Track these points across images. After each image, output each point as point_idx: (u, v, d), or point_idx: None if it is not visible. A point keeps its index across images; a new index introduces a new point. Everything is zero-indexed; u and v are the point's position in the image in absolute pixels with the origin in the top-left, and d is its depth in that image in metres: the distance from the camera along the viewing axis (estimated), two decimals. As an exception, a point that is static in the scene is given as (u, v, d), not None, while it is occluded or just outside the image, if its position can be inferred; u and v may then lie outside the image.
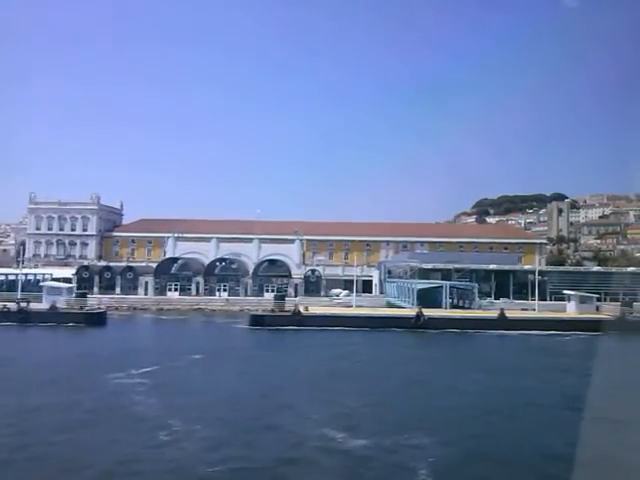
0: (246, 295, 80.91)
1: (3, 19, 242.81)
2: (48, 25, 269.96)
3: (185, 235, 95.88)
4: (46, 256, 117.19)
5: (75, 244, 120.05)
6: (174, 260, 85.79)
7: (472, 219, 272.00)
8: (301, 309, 57.87)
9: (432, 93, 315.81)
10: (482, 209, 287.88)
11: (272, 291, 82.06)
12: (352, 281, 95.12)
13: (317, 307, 62.74)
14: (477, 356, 40.74)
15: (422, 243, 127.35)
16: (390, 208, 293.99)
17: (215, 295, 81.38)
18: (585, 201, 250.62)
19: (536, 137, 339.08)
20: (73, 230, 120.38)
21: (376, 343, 46.62)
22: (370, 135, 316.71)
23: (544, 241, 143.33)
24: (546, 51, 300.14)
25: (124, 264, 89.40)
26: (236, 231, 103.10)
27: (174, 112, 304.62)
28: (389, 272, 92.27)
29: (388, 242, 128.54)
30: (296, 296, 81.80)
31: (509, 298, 79.13)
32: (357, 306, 67.39)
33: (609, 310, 59.12)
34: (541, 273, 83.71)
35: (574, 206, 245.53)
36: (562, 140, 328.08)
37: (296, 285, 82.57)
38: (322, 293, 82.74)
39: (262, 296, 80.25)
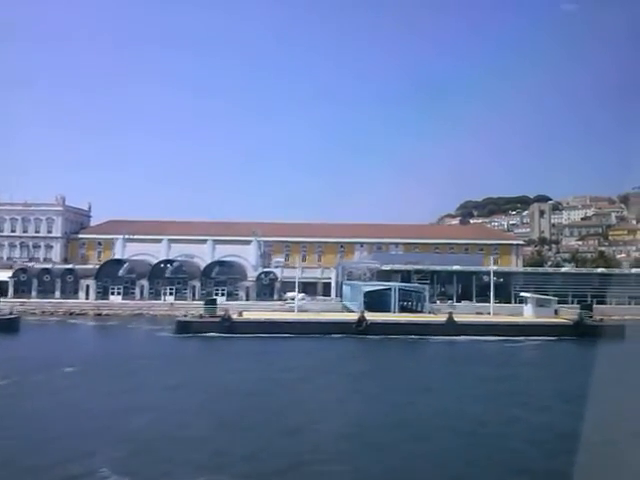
0: (194, 299, 75.86)
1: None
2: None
3: (135, 237, 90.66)
4: (9, 259, 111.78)
5: (39, 246, 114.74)
6: (119, 262, 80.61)
7: (456, 221, 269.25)
8: (234, 314, 53.18)
9: (431, 94, 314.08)
10: (466, 211, 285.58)
11: (222, 295, 77.33)
12: (311, 284, 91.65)
13: (255, 312, 57.95)
14: (406, 368, 36.07)
15: (397, 245, 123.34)
16: (379, 210, 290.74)
17: (161, 299, 76.34)
18: (568, 203, 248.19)
19: (529, 138, 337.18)
20: (37, 232, 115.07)
21: (305, 352, 41.83)
22: (365, 135, 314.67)
23: (521, 242, 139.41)
24: (544, 53, 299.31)
25: (68, 266, 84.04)
26: (194, 232, 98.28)
27: (158, 112, 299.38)
28: (350, 274, 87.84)
29: (362, 244, 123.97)
30: (248, 300, 77.09)
31: (472, 301, 75.07)
32: (302, 310, 62.81)
33: (569, 314, 54.76)
34: (504, 274, 79.80)
35: (557, 208, 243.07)
36: (549, 142, 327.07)
37: (247, 288, 77.66)
38: (276, 297, 77.87)
39: (211, 300, 75.42)
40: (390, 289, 57.39)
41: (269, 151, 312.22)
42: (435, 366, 36.69)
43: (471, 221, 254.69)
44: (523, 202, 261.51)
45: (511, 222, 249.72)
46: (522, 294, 61.44)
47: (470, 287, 78.29)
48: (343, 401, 25.28)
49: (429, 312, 57.21)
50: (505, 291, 75.77)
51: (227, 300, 75.75)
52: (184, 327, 49.96)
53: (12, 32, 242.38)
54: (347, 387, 28.28)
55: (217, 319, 50.59)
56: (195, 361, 36.86)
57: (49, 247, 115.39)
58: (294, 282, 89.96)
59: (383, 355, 42.11)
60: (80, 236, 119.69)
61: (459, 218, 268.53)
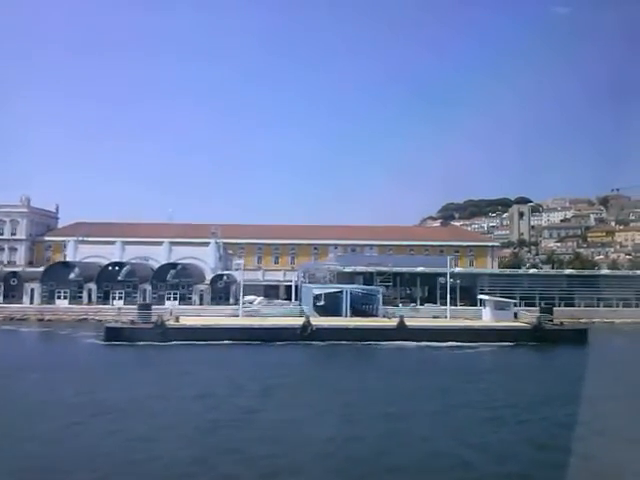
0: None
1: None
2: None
3: (89, 239, 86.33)
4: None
5: (3, 249, 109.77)
6: (66, 264, 76.26)
7: (437, 223, 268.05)
8: (171, 320, 49.38)
9: (419, 97, 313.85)
10: (448, 213, 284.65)
11: (175, 299, 73.40)
12: (274, 287, 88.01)
13: (201, 318, 54.05)
14: (337, 378, 32.54)
15: (371, 247, 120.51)
16: (367, 212, 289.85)
17: (110, 304, 72.08)
18: (548, 205, 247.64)
19: (512, 141, 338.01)
20: (0, 234, 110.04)
21: (233, 361, 38.26)
22: (354, 138, 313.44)
23: (496, 244, 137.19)
24: (535, 56, 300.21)
25: (13, 269, 79.47)
26: (157, 234, 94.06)
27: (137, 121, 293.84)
28: (312, 276, 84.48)
29: (336, 246, 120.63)
30: (201, 304, 73.20)
31: (436, 303, 71.91)
32: (259, 315, 59.25)
33: (529, 317, 51.73)
34: (470, 276, 76.87)
35: (537, 210, 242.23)
36: (532, 144, 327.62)
37: (201, 292, 73.73)
38: (232, 301, 74.04)
39: (163, 304, 71.41)
40: (342, 292, 53.93)
41: (254, 154, 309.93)
42: (370, 376, 33.20)
43: (452, 223, 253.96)
44: (504, 204, 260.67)
45: (491, 224, 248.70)
46: (480, 296, 58.27)
47: (435, 289, 75.24)
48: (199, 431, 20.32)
49: (383, 316, 53.83)
50: (470, 293, 72.74)
51: (180, 304, 72.06)
52: (114, 334, 46.02)
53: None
54: (239, 407, 24.15)
55: (150, 325, 46.74)
56: (96, 374, 32.67)
57: (13, 250, 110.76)
58: (255, 285, 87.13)
59: (318, 364, 38.64)
60: (46, 238, 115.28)
61: (440, 220, 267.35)
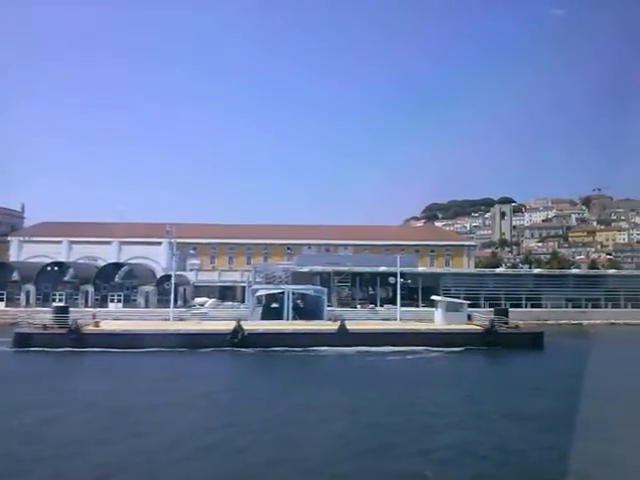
0: (86, 305, 67.21)
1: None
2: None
3: (34, 238, 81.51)
4: None
5: None
6: (3, 265, 71.44)
7: (421, 223, 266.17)
8: (90, 324, 45.01)
9: (415, 99, 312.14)
10: (431, 213, 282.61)
11: (119, 301, 68.91)
12: (229, 287, 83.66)
13: (119, 322, 49.46)
14: (250, 390, 28.42)
15: (346, 246, 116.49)
16: (356, 211, 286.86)
17: (50, 306, 67.32)
18: (530, 205, 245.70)
19: (498, 142, 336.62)
20: None
21: (141, 372, 33.92)
22: (344, 138, 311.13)
23: (472, 244, 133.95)
24: (526, 58, 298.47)
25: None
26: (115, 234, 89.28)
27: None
28: (270, 277, 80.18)
29: (310, 245, 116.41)
30: (147, 306, 68.74)
31: (395, 304, 67.92)
32: (206, 319, 55.12)
33: (483, 320, 47.86)
34: (433, 276, 73.19)
35: (519, 210, 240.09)
36: (517, 145, 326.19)
37: (147, 294, 69.22)
38: (180, 302, 69.66)
39: (106, 306, 67.09)
40: (283, 293, 49.78)
41: (242, 156, 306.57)
42: (281, 387, 29.04)
43: (435, 223, 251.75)
44: (487, 204, 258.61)
45: (473, 224, 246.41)
46: (433, 297, 54.40)
47: (403, 289, 71.26)
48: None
49: (328, 319, 49.75)
50: (433, 294, 68.83)
51: (124, 306, 67.74)
52: (24, 340, 41.51)
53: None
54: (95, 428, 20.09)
55: (64, 330, 42.26)
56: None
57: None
58: (211, 286, 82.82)
59: (234, 374, 34.32)
60: (9, 238, 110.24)
61: (424, 220, 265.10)
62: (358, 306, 67.95)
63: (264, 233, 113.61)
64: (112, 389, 27.25)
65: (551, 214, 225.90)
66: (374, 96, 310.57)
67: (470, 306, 63.52)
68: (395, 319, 52.94)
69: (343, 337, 42.98)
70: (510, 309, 67.74)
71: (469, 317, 49.40)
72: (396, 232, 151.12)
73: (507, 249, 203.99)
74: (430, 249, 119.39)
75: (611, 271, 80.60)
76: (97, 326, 44.86)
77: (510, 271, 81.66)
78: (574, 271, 77.11)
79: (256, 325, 45.52)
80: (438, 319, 49.65)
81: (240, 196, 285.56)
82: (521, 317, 66.49)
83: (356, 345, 41.78)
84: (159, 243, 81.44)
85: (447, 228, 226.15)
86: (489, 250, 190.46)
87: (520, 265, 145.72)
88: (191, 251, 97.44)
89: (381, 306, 68.25)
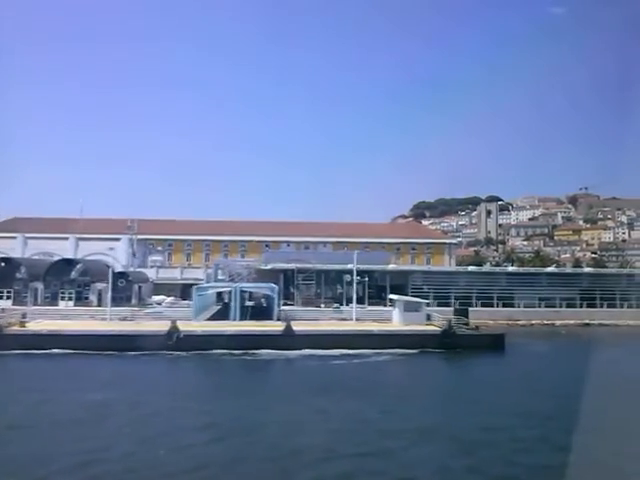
0: (35, 303, 63.43)
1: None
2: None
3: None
4: None
5: None
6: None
7: (408, 221, 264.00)
8: (15, 325, 41.47)
9: (427, 90, 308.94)
10: (419, 212, 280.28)
11: (70, 299, 65.19)
12: (191, 285, 79.91)
13: (48, 322, 45.63)
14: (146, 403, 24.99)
15: (325, 244, 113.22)
16: (342, 209, 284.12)
17: (-3, 304, 63.54)
18: (517, 204, 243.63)
19: (486, 140, 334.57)
20: None
21: (50, 378, 30.51)
22: (338, 138, 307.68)
23: (454, 241, 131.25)
24: (538, 51, 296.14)
25: None
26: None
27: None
28: (237, 275, 76.79)
29: (289, 243, 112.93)
30: (99, 305, 64.98)
31: (364, 303, 64.80)
32: (151, 318, 51.59)
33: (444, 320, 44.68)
34: (402, 274, 70.07)
35: (506, 208, 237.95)
36: (506, 143, 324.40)
37: (100, 291, 65.49)
38: (134, 301, 66.11)
39: (57, 304, 63.40)
40: (230, 291, 46.41)
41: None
42: (180, 401, 25.70)
43: (423, 222, 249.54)
44: (474, 203, 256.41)
45: (460, 223, 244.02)
46: (391, 296, 51.24)
47: (366, 288, 68.13)
48: None
49: (278, 319, 46.46)
50: (402, 292, 65.84)
51: (75, 305, 63.99)
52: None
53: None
54: None
55: (-17, 332, 38.73)
56: None
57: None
58: (172, 284, 79.26)
59: (152, 382, 30.89)
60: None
61: (411, 219, 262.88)
62: (322, 305, 64.68)
63: (240, 230, 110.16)
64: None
65: (537, 213, 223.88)
66: (384, 86, 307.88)
67: (441, 305, 60.96)
68: (357, 319, 49.77)
69: (288, 339, 39.78)
70: (481, 308, 65.48)
71: (429, 317, 46.23)
72: (377, 230, 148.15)
73: (493, 248, 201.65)
74: (411, 247, 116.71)
75: (587, 270, 77.70)
76: (23, 326, 41.31)
77: (483, 269, 78.59)
78: (548, 269, 74.01)
79: (195, 326, 42.17)
80: (396, 319, 46.52)
81: (227, 192, 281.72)
82: (492, 317, 63.77)
83: (302, 348, 38.61)
84: (118, 239, 77.78)
85: (434, 227, 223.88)
86: (474, 249, 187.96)
87: (504, 264, 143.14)
88: (159, 248, 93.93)
89: (347, 305, 65.00)
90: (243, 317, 47.06)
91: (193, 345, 38.45)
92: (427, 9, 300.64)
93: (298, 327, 41.53)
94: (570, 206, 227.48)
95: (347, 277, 57.12)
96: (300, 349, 38.42)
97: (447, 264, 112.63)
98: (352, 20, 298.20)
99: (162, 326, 41.14)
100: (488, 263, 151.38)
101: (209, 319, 48.49)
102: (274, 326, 42.79)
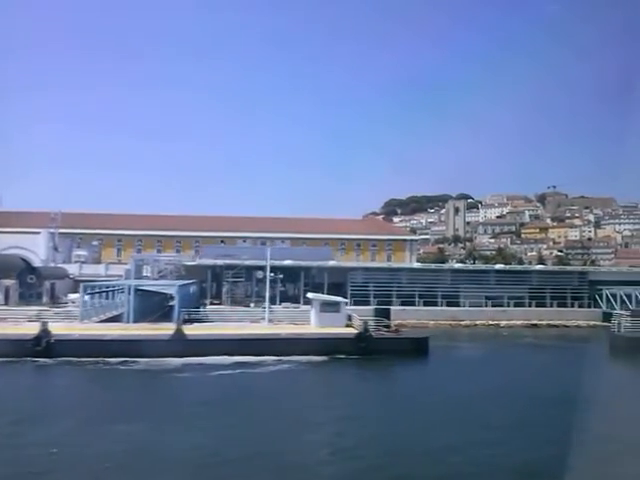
0: None
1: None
2: None
3: None
4: None
5: None
6: None
7: (380, 219, 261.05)
8: None
9: (427, 90, 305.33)
10: (390, 209, 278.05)
11: (-28, 297, 58.55)
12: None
13: None
14: None
15: (283, 240, 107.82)
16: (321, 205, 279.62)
17: None
18: (486, 201, 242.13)
19: (458, 137, 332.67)
20: None
21: None
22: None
23: (415, 238, 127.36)
24: (538, 52, 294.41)
25: None
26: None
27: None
28: (164, 272, 70.99)
29: (245, 239, 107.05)
30: (6, 303, 58.61)
31: (299, 302, 59.71)
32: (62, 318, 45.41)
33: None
34: (341, 271, 65.18)
35: (475, 206, 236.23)
36: (478, 141, 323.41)
37: (7, 289, 59.05)
38: (45, 299, 59.82)
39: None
40: (123, 290, 40.77)
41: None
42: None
43: (394, 219, 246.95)
44: (444, 200, 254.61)
45: (429, 220, 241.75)
46: (308, 295, 46.20)
47: (307, 285, 63.20)
48: None
49: (179, 322, 40.91)
50: (341, 291, 61.06)
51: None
52: None
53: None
54: None
55: None
56: None
57: None
58: (95, 281, 72.91)
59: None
60: None
61: (382, 216, 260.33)
62: (252, 305, 59.32)
63: (177, 225, 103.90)
64: None
65: (506, 210, 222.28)
66: (385, 87, 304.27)
67: (382, 304, 56.14)
68: (278, 321, 44.74)
69: (178, 345, 34.43)
70: (422, 308, 60.99)
71: (349, 318, 41.33)
72: (339, 226, 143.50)
73: (460, 245, 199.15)
74: (371, 244, 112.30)
75: (537, 267, 73.88)
76: None
77: (427, 266, 74.20)
78: (496, 267, 69.86)
79: (76, 329, 36.52)
80: (313, 320, 41.50)
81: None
82: (434, 317, 59.31)
83: (193, 355, 33.32)
84: (38, 232, 71.14)
85: (404, 224, 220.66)
86: (441, 246, 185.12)
87: (466, 261, 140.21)
88: (93, 242, 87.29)
89: (279, 304, 59.82)
90: (144, 319, 41.52)
91: (64, 352, 32.92)
92: (426, 9, 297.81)
93: (194, 331, 36.23)
94: (538, 204, 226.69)
95: (259, 274, 51.72)
96: (189, 356, 33.14)
97: (408, 261, 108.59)
98: (352, 20, 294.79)
99: (31, 330, 35.39)
100: (452, 260, 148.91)
101: (106, 320, 42.88)
102: (162, 330, 37.28)
